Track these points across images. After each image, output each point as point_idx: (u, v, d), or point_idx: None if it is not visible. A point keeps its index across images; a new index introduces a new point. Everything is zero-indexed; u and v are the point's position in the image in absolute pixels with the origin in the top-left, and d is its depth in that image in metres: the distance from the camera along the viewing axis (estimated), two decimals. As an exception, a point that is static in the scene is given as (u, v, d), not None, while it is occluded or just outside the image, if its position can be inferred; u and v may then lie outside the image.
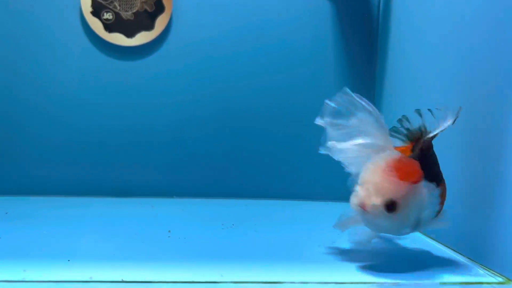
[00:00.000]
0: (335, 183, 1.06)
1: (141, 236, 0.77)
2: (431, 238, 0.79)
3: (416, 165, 0.56)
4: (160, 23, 1.10)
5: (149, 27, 1.10)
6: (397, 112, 0.99)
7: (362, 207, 0.55)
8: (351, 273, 0.60)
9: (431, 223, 0.59)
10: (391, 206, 0.54)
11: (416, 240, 0.77)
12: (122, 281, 0.54)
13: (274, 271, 0.60)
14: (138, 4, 1.10)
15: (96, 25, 1.08)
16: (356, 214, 0.58)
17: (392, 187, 0.54)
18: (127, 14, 1.09)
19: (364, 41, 1.14)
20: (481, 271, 0.62)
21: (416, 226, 0.58)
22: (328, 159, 0.64)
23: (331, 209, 1.02)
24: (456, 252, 0.71)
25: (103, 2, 1.08)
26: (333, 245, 0.73)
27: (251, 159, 1.14)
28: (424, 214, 0.57)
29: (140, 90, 1.12)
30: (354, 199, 0.57)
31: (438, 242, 0.77)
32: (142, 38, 1.10)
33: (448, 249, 0.73)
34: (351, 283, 0.56)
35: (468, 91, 0.71)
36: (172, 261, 0.64)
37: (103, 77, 1.11)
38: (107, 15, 1.09)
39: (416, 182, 0.55)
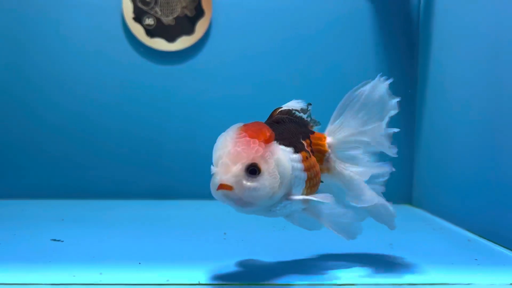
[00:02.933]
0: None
1: (199, 237, 0.77)
2: None
3: (263, 125, 0.53)
4: (200, 27, 1.11)
5: (190, 31, 1.11)
6: (442, 110, 0.99)
7: (223, 187, 0.49)
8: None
9: (306, 195, 0.55)
10: (253, 170, 0.50)
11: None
12: (199, 284, 0.55)
13: (349, 272, 0.61)
14: (179, 9, 1.11)
15: (137, 30, 1.10)
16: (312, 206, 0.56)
17: (247, 149, 0.50)
18: (168, 19, 1.10)
19: (405, 41, 1.14)
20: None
21: (287, 194, 0.53)
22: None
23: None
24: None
25: (145, 8, 1.10)
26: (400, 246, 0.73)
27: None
28: (291, 180, 0.53)
29: (182, 94, 1.13)
30: (212, 186, 0.51)
31: None
32: (183, 42, 1.11)
33: None
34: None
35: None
36: (238, 263, 0.64)
37: (145, 82, 1.12)
38: (149, 21, 1.10)
39: (268, 140, 0.51)
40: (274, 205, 0.53)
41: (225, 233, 0.79)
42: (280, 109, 0.59)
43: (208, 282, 0.56)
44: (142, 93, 1.12)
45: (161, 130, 1.12)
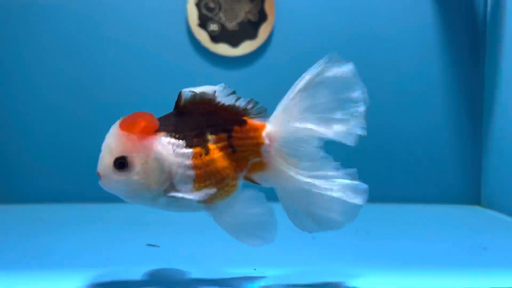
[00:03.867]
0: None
1: (285, 241, 0.77)
2: None
3: (146, 116, 0.50)
4: (263, 31, 1.12)
5: (253, 36, 1.12)
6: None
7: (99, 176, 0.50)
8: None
9: (191, 192, 0.51)
10: (121, 163, 0.49)
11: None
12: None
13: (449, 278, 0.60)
14: (242, 14, 1.12)
15: (202, 36, 1.11)
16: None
17: (115, 142, 0.49)
18: (231, 25, 1.11)
19: (470, 38, 1.13)
20: None
21: (171, 190, 0.50)
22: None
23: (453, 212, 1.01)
24: None
25: (209, 14, 1.11)
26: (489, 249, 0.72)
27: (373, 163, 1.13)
28: (174, 176, 0.50)
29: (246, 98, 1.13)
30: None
31: None
32: (246, 47, 1.12)
33: None
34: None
35: None
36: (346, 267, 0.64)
37: (210, 87, 1.13)
38: (213, 27, 1.11)
39: (143, 132, 0.49)
40: (156, 200, 0.51)
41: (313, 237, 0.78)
42: (193, 95, 0.52)
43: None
44: (207, 98, 1.13)
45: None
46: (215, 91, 0.52)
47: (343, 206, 0.52)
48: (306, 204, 0.52)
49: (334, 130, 0.52)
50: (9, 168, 1.11)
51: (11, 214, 1.01)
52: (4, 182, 1.11)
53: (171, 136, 0.50)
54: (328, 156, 0.53)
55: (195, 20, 1.11)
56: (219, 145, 0.52)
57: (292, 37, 1.13)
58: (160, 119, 0.52)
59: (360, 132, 0.53)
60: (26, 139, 1.11)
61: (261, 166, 0.53)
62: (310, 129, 0.52)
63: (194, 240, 0.78)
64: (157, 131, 0.50)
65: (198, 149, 0.51)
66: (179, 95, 0.52)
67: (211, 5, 1.11)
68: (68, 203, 1.08)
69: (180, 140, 0.51)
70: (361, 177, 0.53)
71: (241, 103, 0.53)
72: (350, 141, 0.52)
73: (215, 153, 0.52)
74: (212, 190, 0.50)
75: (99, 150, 0.50)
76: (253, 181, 0.55)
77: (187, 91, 0.52)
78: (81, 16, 1.11)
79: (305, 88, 0.53)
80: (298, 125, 0.52)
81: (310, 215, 0.53)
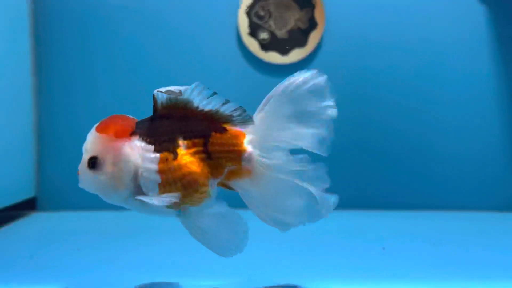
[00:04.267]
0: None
1: (354, 252, 0.76)
2: None
3: (119, 119, 0.52)
4: (313, 39, 1.12)
5: (303, 43, 1.12)
6: None
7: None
8: None
9: (157, 197, 0.51)
10: (92, 163, 0.51)
11: None
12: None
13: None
14: (292, 22, 1.12)
15: (252, 45, 1.11)
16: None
17: (94, 142, 0.52)
18: (281, 32, 1.12)
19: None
20: None
21: (138, 192, 0.52)
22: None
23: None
24: None
25: (259, 22, 1.11)
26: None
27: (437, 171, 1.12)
28: (139, 179, 0.51)
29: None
30: None
31: None
32: (296, 55, 1.12)
33: None
34: None
35: None
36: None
37: (261, 96, 1.13)
38: (263, 35, 1.11)
39: (117, 135, 0.51)
40: (127, 202, 0.53)
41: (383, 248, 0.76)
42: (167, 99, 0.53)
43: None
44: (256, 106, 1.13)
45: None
46: (180, 91, 0.52)
47: (310, 211, 0.54)
48: (281, 205, 0.53)
49: (309, 140, 0.53)
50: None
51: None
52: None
53: (142, 139, 0.52)
54: (305, 164, 0.54)
55: (246, 28, 1.11)
56: (192, 150, 0.53)
57: (341, 44, 1.13)
58: (138, 122, 0.53)
59: (329, 141, 0.54)
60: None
61: (238, 173, 0.54)
62: (287, 138, 0.53)
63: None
64: (133, 134, 0.52)
65: (165, 154, 0.52)
66: (154, 98, 0.53)
67: (262, 13, 1.11)
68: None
69: (150, 145, 0.52)
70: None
71: (226, 109, 0.54)
72: (322, 151, 0.54)
73: (185, 158, 0.52)
74: (174, 197, 0.51)
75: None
76: (229, 188, 0.55)
77: (157, 92, 0.52)
78: (132, 23, 1.13)
79: (281, 97, 0.54)
80: (276, 133, 0.53)
81: (283, 214, 0.54)
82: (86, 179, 0.52)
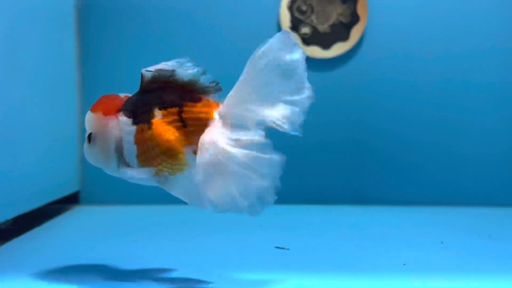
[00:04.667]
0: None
1: (415, 245, 0.77)
2: None
3: (106, 99, 0.57)
4: (355, 33, 1.11)
5: (345, 38, 1.11)
6: None
7: None
8: None
9: (135, 170, 0.56)
10: (89, 138, 0.57)
11: None
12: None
13: None
14: (335, 16, 1.12)
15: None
16: None
17: (89, 120, 0.57)
18: (323, 27, 1.11)
19: None
20: None
21: (123, 163, 0.56)
22: None
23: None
24: None
25: (301, 17, 1.11)
26: None
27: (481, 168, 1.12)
28: (121, 151, 0.56)
29: (338, 100, 1.13)
30: None
31: None
32: (338, 49, 1.12)
33: None
34: None
35: None
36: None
37: (302, 90, 1.13)
38: (305, 30, 1.11)
39: (106, 112, 0.56)
40: (119, 172, 0.57)
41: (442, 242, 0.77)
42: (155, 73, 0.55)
43: None
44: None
45: (321, 136, 1.13)
46: (173, 68, 0.55)
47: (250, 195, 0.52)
48: (225, 184, 0.52)
49: (280, 114, 0.53)
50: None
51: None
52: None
53: (125, 115, 0.56)
54: (264, 150, 0.53)
55: (287, 23, 1.11)
56: (167, 119, 0.55)
57: (384, 38, 1.12)
58: (126, 100, 0.57)
59: (302, 120, 0.53)
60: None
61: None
62: (257, 111, 0.53)
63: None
64: (120, 111, 0.56)
65: (141, 125, 0.55)
66: (142, 76, 0.56)
67: (304, 8, 1.11)
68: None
69: (130, 118, 0.56)
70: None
71: (204, 81, 0.56)
72: (293, 129, 0.53)
73: (160, 127, 0.55)
74: (152, 171, 0.55)
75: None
76: None
77: (144, 71, 0.55)
78: (168, 20, 1.14)
79: (255, 69, 0.54)
80: (247, 106, 0.53)
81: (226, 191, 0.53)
82: (87, 153, 0.58)
